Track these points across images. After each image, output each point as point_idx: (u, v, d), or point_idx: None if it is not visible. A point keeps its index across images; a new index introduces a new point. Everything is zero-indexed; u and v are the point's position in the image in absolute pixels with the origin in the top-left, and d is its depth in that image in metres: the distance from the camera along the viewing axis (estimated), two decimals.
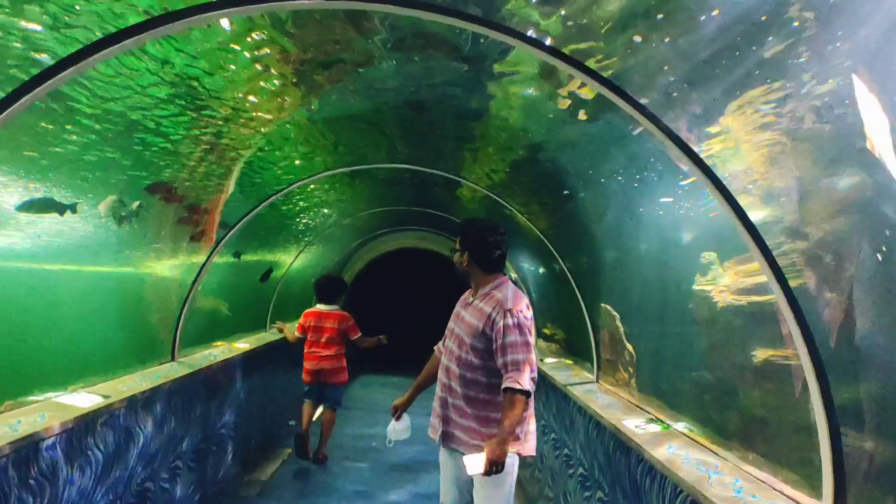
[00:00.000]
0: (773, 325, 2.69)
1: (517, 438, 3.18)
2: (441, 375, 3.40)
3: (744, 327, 2.90)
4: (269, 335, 7.47)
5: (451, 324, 3.47)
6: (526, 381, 3.02)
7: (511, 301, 3.19)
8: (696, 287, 3.26)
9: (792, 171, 2.64)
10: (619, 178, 3.86)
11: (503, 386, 3.04)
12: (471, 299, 3.40)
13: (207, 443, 5.10)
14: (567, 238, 5.26)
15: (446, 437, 3.34)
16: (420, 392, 3.72)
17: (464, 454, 3.13)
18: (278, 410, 7.47)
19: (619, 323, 4.42)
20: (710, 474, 2.66)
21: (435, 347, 3.70)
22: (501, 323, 3.12)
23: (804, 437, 2.44)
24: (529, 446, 3.29)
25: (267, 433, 6.95)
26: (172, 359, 5.04)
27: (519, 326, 3.11)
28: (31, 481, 2.90)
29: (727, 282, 3.00)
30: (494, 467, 2.93)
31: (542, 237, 5.49)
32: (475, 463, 2.96)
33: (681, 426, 3.40)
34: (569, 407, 4.59)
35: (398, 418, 3.70)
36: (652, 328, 4.10)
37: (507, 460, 3.02)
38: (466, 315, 3.33)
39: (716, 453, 2.96)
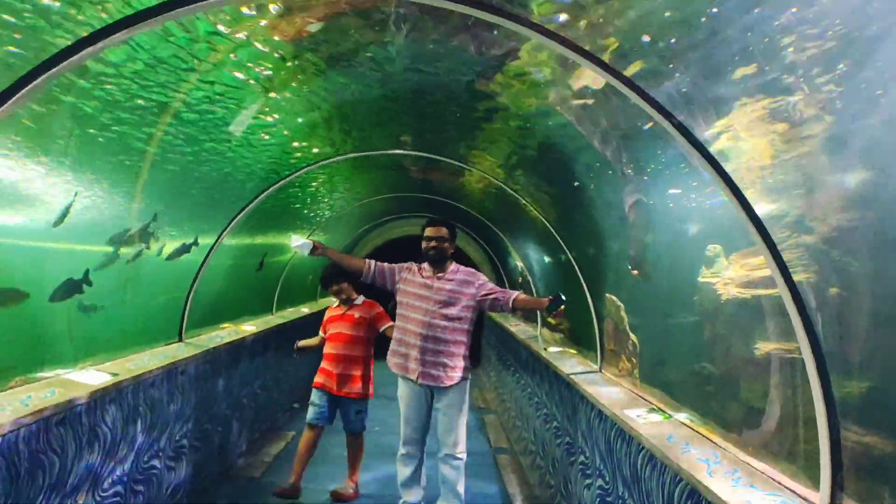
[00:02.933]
0: (775, 319, 2.70)
1: (468, 367, 4.50)
2: (421, 330, 4.41)
3: (747, 320, 2.92)
4: (275, 318, 7.53)
5: (415, 290, 4.53)
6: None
7: (478, 273, 4.67)
8: (700, 279, 3.27)
9: (799, 166, 2.64)
10: (629, 170, 3.86)
11: (514, 296, 4.41)
12: (439, 275, 4.52)
13: (213, 423, 5.17)
14: (574, 228, 5.27)
15: (424, 376, 4.39)
16: (334, 257, 4.66)
17: (439, 386, 4.38)
18: (283, 393, 7.54)
19: (623, 313, 4.44)
20: (710, 464, 2.69)
21: (371, 263, 4.65)
22: (482, 281, 4.55)
23: (803, 429, 2.47)
24: None
25: (271, 415, 7.02)
26: (180, 339, 5.09)
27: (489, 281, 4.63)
28: (41, 456, 2.95)
29: (732, 274, 3.01)
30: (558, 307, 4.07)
31: (549, 227, 5.51)
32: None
33: (682, 416, 3.42)
34: (571, 395, 4.62)
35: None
36: (656, 319, 4.11)
37: (462, 388, 4.45)
38: (445, 287, 4.48)
39: (716, 443, 2.98)
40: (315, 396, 5.18)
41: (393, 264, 4.70)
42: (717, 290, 3.11)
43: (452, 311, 4.42)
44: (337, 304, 5.45)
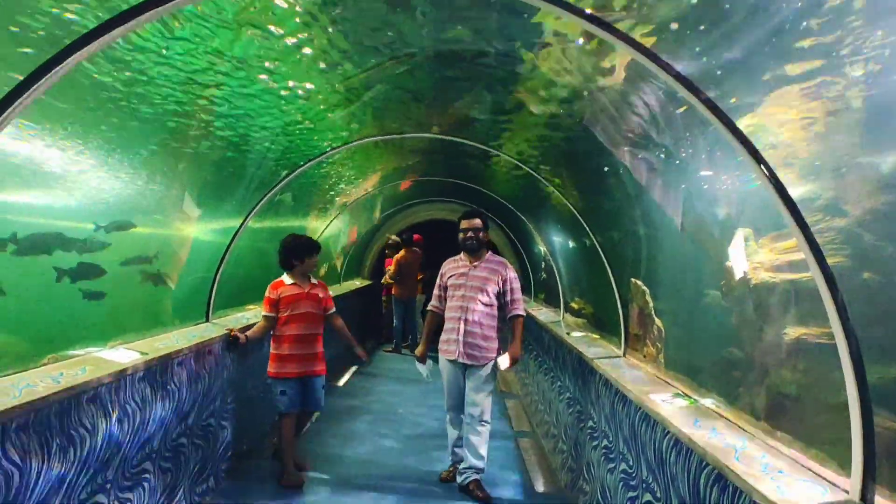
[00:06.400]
0: (806, 303, 2.66)
1: (500, 349, 4.94)
2: (459, 314, 4.91)
3: (777, 304, 2.87)
4: None
5: (456, 281, 5.01)
6: (524, 310, 5.01)
7: (508, 264, 5.07)
8: (729, 263, 3.23)
9: (833, 147, 2.59)
10: (661, 154, 3.80)
11: (514, 314, 4.92)
12: (475, 264, 4.99)
13: (239, 402, 5.23)
14: (600, 213, 5.22)
15: (465, 356, 4.86)
16: (431, 342, 5.38)
17: (473, 365, 4.86)
18: None
19: (648, 298, 4.40)
20: (737, 449, 2.66)
21: (431, 307, 5.27)
22: (510, 275, 4.97)
23: (834, 415, 2.43)
24: None
25: None
26: (207, 320, 5.15)
27: (517, 278, 5.06)
28: (72, 431, 3.01)
29: (762, 258, 2.96)
30: (515, 362, 4.87)
31: (574, 211, 5.46)
32: (504, 361, 4.80)
33: (708, 402, 3.39)
34: (595, 380, 4.60)
35: (423, 362, 5.30)
36: (682, 304, 4.07)
37: (490, 367, 4.86)
38: (479, 274, 4.95)
39: (743, 429, 2.96)
40: (285, 386, 4.86)
41: (438, 282, 5.22)
42: (746, 274, 3.07)
43: (486, 297, 4.89)
44: (291, 281, 4.98)
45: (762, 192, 2.69)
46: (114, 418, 3.37)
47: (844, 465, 2.25)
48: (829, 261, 2.17)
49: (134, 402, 3.57)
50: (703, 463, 2.73)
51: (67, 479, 2.99)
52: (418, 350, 5.37)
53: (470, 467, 4.92)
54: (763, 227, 3.01)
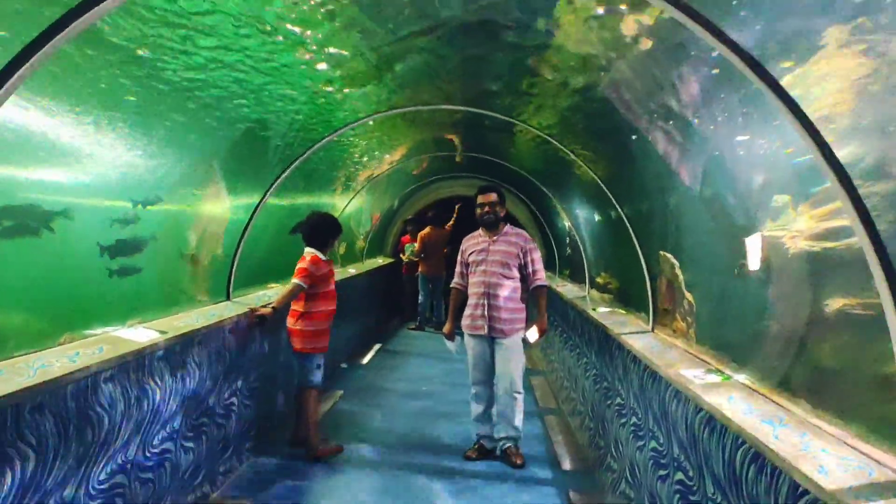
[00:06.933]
0: (848, 272, 2.51)
1: (524, 327, 5.10)
2: (482, 289, 5.00)
3: (816, 274, 2.72)
4: None
5: (476, 257, 5.10)
6: (546, 280, 5.17)
7: (526, 235, 5.19)
8: (765, 233, 3.07)
9: (880, 105, 2.42)
10: (690, 119, 3.63)
11: (537, 284, 5.05)
12: (494, 238, 5.09)
13: (261, 381, 5.19)
14: (626, 183, 5.06)
15: (491, 330, 4.99)
16: (455, 319, 5.36)
17: (500, 338, 4.98)
18: (330, 352, 7.57)
19: (678, 271, 4.25)
20: (776, 427, 2.53)
21: (454, 284, 5.35)
22: (529, 246, 5.07)
23: (880, 390, 2.29)
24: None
25: None
26: (227, 298, 5.11)
27: (537, 249, 5.17)
28: (90, 412, 2.97)
29: (801, 226, 2.80)
30: (544, 333, 5.06)
31: (599, 182, 5.30)
32: (532, 334, 5.04)
33: (742, 378, 3.26)
34: (622, 356, 4.48)
35: (452, 339, 5.36)
36: (714, 276, 3.91)
37: (517, 338, 5.03)
38: (499, 248, 5.04)
39: (780, 405, 2.82)
40: (321, 360, 5.07)
41: (460, 259, 5.32)
42: (784, 243, 2.91)
43: (507, 270, 5.00)
44: (326, 258, 5.02)
45: (801, 156, 2.53)
46: (132, 398, 3.33)
47: (892, 444, 2.12)
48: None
49: (153, 381, 3.53)
50: (740, 441, 2.61)
51: (86, 460, 2.95)
52: (445, 328, 5.44)
53: (506, 437, 5.13)
54: (800, 195, 2.85)
